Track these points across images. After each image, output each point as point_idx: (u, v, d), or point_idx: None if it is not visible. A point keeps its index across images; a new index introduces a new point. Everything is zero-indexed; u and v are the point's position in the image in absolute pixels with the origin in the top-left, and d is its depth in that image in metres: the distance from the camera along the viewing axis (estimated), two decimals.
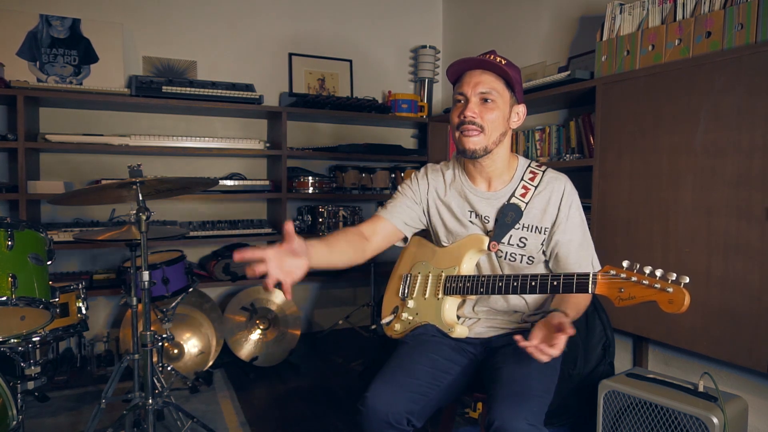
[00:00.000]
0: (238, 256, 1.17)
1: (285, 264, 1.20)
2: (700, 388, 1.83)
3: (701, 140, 1.91)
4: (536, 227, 1.49)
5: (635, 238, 2.14)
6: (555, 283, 1.32)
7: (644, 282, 1.18)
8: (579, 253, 1.48)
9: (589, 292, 1.27)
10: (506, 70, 1.42)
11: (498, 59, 1.45)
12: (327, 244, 1.43)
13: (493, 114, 1.44)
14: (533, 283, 1.36)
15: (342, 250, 1.47)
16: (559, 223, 1.48)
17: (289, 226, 1.23)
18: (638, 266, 1.21)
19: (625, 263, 1.22)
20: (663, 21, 2.14)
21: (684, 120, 1.96)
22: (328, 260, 1.42)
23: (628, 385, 1.90)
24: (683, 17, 2.05)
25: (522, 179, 1.52)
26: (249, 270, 1.16)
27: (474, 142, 1.45)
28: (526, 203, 1.49)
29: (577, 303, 1.41)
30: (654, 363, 2.39)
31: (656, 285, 1.16)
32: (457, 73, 1.50)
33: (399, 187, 1.66)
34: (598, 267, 1.52)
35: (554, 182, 1.51)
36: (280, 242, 1.23)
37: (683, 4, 2.06)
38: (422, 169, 1.66)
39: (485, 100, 1.44)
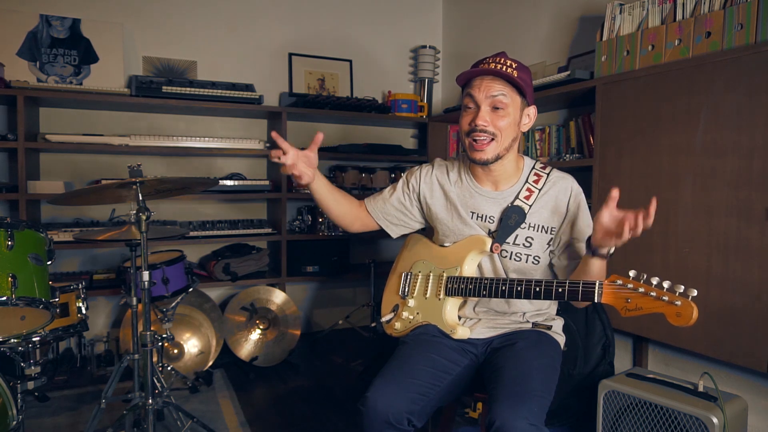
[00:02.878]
0: (275, 134, 1.49)
1: (299, 163, 1.46)
2: (700, 388, 1.83)
3: (701, 140, 1.91)
4: (543, 227, 1.49)
5: (635, 238, 2.13)
6: (560, 290, 1.31)
7: (652, 294, 1.17)
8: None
9: (595, 301, 1.26)
10: (517, 80, 1.42)
11: (509, 62, 1.44)
12: (333, 188, 1.62)
13: (505, 121, 1.44)
14: (537, 289, 1.35)
15: (340, 201, 1.64)
16: (567, 222, 1.49)
17: (319, 136, 1.50)
18: (645, 276, 1.19)
19: (631, 273, 1.21)
20: (663, 21, 2.14)
21: (684, 120, 1.96)
22: (327, 197, 1.60)
23: (628, 385, 1.90)
24: (683, 17, 2.05)
25: (527, 181, 1.52)
26: (274, 152, 1.44)
27: (486, 152, 1.45)
28: (530, 205, 1.49)
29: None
30: (654, 363, 2.39)
31: (664, 297, 1.16)
32: (466, 78, 1.49)
33: (398, 183, 1.69)
34: None
35: (561, 182, 1.51)
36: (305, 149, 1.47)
37: (683, 4, 2.06)
38: (429, 164, 1.67)
39: (496, 108, 1.44)
